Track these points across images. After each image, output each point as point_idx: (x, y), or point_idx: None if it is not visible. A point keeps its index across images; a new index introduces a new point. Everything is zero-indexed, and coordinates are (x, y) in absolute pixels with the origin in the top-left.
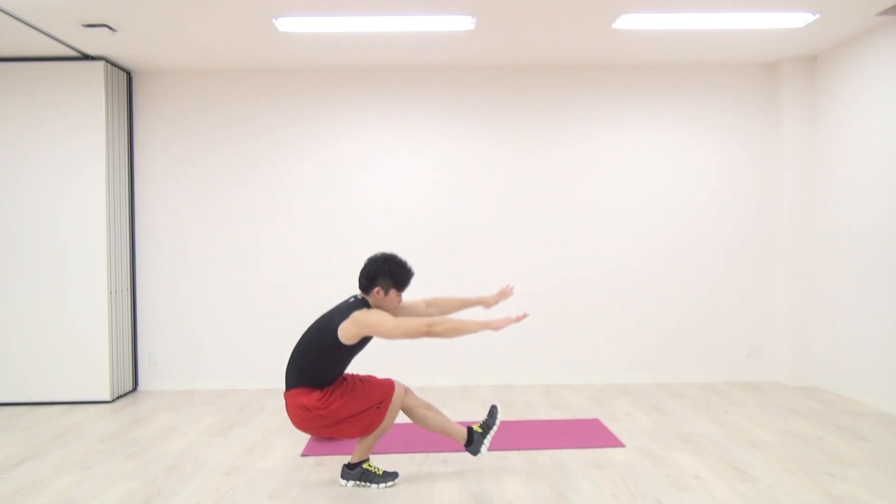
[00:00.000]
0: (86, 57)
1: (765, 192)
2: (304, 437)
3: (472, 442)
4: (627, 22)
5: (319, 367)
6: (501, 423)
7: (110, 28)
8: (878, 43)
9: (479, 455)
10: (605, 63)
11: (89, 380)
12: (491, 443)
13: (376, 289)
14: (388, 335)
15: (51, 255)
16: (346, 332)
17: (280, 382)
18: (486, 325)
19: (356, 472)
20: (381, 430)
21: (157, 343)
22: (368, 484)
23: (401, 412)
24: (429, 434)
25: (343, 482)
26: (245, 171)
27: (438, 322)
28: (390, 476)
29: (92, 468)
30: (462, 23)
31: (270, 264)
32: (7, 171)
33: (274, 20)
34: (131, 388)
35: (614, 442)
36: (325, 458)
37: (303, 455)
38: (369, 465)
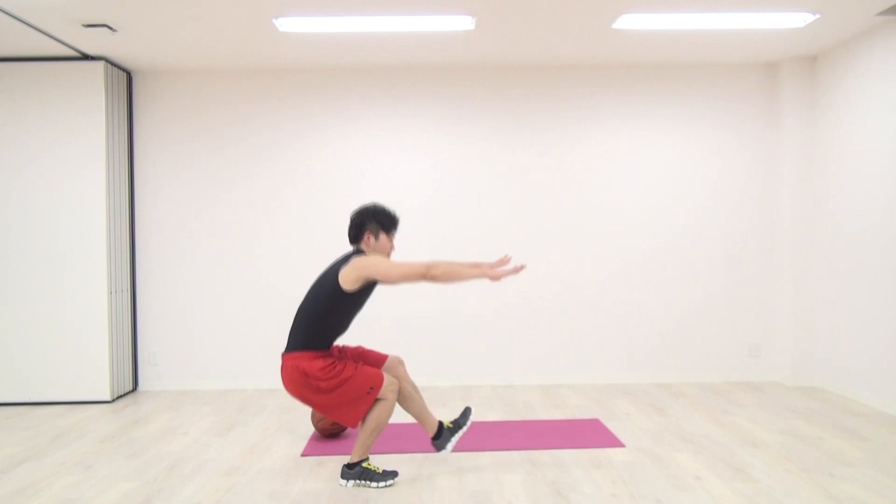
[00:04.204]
0: (86, 57)
1: (765, 192)
2: (305, 437)
3: (440, 436)
4: (627, 22)
5: (325, 322)
6: (503, 422)
7: (110, 28)
8: (877, 43)
9: (444, 451)
10: (605, 63)
11: (89, 380)
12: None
13: (366, 235)
14: (387, 275)
15: (50, 255)
16: (347, 277)
17: (280, 382)
18: (483, 273)
19: (356, 471)
20: (378, 426)
21: (157, 343)
22: (368, 483)
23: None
24: (428, 435)
25: (343, 482)
26: (245, 171)
27: (436, 265)
28: (390, 475)
29: (92, 468)
30: (462, 23)
31: (270, 264)
32: (7, 170)
33: (274, 20)
34: (131, 388)
35: (614, 442)
36: (325, 458)
37: (303, 455)
38: (369, 465)
